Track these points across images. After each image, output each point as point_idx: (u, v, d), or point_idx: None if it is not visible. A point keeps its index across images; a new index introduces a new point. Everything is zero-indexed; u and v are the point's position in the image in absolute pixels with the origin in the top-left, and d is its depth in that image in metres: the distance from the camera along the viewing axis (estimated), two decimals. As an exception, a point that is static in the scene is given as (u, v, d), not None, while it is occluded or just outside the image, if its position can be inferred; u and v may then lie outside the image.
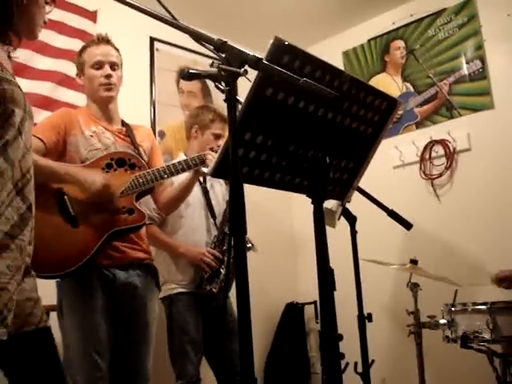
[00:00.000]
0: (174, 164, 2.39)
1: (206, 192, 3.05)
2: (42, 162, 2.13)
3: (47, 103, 3.26)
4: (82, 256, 2.15)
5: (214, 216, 3.03)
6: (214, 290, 2.85)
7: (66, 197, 2.19)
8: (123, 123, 2.53)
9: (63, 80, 3.40)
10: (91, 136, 2.35)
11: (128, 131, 2.49)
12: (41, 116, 3.13)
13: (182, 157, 3.13)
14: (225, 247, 2.93)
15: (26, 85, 3.21)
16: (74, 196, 2.20)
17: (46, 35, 3.33)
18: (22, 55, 3.12)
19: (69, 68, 3.44)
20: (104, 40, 2.47)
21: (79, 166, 2.28)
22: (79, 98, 3.39)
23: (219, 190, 3.16)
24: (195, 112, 3.25)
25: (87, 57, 2.44)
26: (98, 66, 2.42)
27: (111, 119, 2.49)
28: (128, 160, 2.34)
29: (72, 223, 2.19)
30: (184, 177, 2.72)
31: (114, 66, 2.45)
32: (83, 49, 2.49)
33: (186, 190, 2.64)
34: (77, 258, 2.15)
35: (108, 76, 2.41)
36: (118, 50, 2.51)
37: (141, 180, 2.30)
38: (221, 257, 2.89)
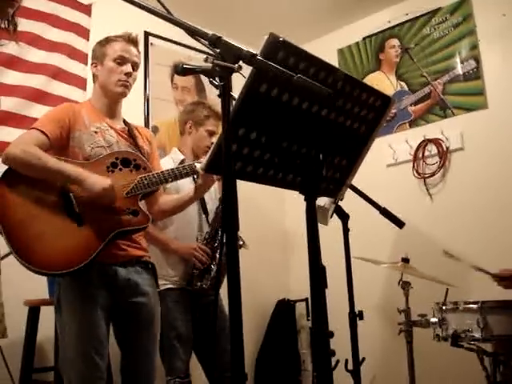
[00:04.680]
0: (178, 168, 2.37)
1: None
2: (46, 160, 2.12)
3: (40, 96, 3.24)
4: (86, 255, 2.11)
5: (206, 212, 3.02)
6: (204, 286, 2.85)
7: (71, 194, 2.16)
8: (125, 122, 2.51)
9: (56, 73, 3.37)
10: (95, 132, 2.31)
11: (130, 131, 2.47)
12: (33, 109, 3.13)
13: (175, 152, 3.12)
14: (216, 244, 2.92)
15: (18, 78, 3.19)
16: (79, 194, 2.17)
17: (38, 27, 3.31)
18: (14, 48, 3.11)
19: (62, 61, 3.42)
20: (132, 41, 2.43)
21: (84, 162, 2.24)
22: (73, 92, 3.38)
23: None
24: (190, 108, 3.22)
25: (111, 50, 2.38)
26: (121, 61, 2.37)
27: (115, 117, 2.45)
28: (133, 160, 2.31)
29: (77, 221, 2.15)
30: (183, 183, 2.72)
31: (134, 66, 2.42)
32: (107, 41, 2.42)
33: (184, 205, 2.61)
34: (80, 258, 2.10)
35: (128, 74, 2.38)
36: (139, 53, 2.49)
37: (146, 182, 2.27)
38: (210, 253, 2.88)
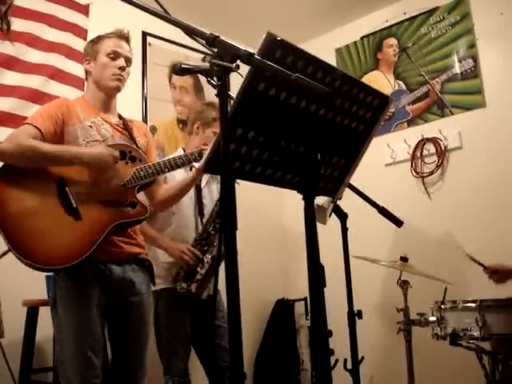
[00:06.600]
0: (174, 158, 2.37)
1: (198, 190, 3.04)
2: (41, 147, 2.12)
3: (38, 97, 3.24)
4: (84, 250, 2.10)
5: (201, 214, 3.01)
6: (190, 288, 2.81)
7: (68, 188, 2.15)
8: (119, 116, 2.51)
9: (54, 74, 3.37)
10: (90, 126, 2.31)
11: (125, 125, 2.47)
12: (31, 110, 3.12)
13: (180, 152, 3.12)
14: (206, 247, 2.88)
15: (16, 78, 3.19)
16: (76, 186, 2.17)
17: (36, 28, 3.31)
18: (13, 48, 3.10)
19: (60, 62, 3.42)
20: (124, 37, 2.45)
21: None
22: (71, 92, 3.38)
23: (215, 188, 3.14)
24: (200, 108, 3.23)
25: (104, 45, 2.40)
26: (114, 56, 2.38)
27: (110, 111, 2.45)
28: (128, 152, 2.31)
29: (74, 215, 2.14)
30: (180, 175, 2.72)
31: (127, 61, 2.43)
32: (99, 38, 2.44)
33: (186, 188, 2.61)
34: (79, 252, 2.09)
35: (122, 68, 2.39)
36: (131, 49, 2.51)
37: (142, 173, 2.27)
38: (200, 256, 2.85)
